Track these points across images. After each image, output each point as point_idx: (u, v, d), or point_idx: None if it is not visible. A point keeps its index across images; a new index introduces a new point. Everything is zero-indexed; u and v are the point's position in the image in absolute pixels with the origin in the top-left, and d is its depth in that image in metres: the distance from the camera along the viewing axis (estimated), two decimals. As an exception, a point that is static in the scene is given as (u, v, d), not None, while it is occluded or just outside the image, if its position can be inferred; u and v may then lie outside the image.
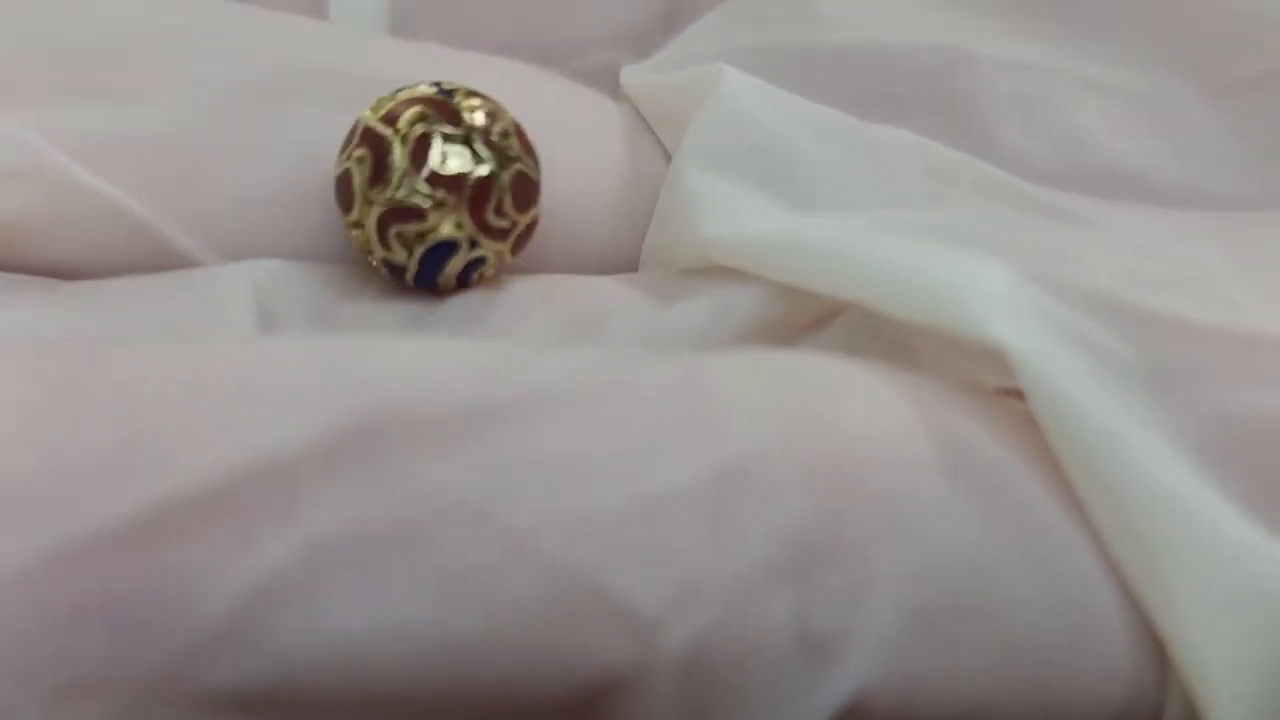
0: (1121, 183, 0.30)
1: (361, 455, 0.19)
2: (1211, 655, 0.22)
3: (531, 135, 0.26)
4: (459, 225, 0.25)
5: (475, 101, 0.26)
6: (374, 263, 0.26)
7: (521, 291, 0.26)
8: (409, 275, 0.26)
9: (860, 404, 0.22)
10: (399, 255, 0.25)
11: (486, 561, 0.19)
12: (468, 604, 0.19)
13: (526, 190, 0.26)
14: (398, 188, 0.25)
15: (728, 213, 0.26)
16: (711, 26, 0.32)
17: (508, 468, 0.20)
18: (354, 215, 0.26)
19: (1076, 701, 0.22)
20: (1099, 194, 0.30)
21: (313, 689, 0.19)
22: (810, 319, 0.25)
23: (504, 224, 0.26)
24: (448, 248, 0.25)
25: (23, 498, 0.19)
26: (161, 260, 0.26)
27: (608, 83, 0.31)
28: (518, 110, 0.26)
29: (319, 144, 0.26)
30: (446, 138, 0.25)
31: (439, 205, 0.25)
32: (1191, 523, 0.22)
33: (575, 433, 0.20)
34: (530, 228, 0.26)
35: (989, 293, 0.23)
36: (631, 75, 0.31)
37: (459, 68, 0.28)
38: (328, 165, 0.26)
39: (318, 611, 0.19)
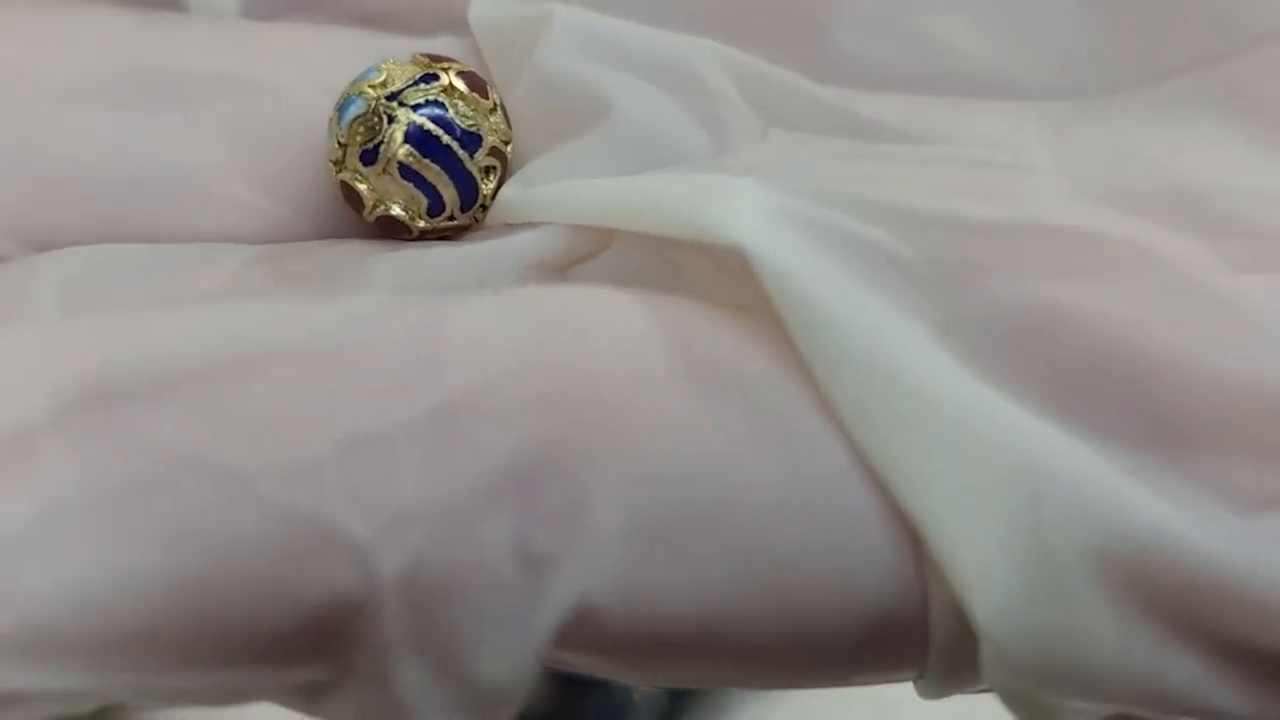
0: (978, 84, 0.30)
1: (94, 417, 0.21)
2: (964, 541, 0.22)
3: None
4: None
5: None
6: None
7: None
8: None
9: (601, 331, 0.23)
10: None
11: (210, 507, 0.21)
12: (194, 548, 0.21)
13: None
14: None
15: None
16: None
17: (232, 419, 0.21)
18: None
19: (832, 604, 0.22)
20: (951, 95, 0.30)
21: (54, 640, 0.20)
22: (589, 249, 0.26)
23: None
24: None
25: None
26: None
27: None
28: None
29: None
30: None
31: None
32: (940, 405, 0.22)
33: (301, 383, 0.22)
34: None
35: (732, 198, 0.23)
36: (479, 7, 0.30)
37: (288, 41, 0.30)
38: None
39: (55, 565, 0.20)
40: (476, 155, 0.28)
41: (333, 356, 0.22)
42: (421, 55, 0.28)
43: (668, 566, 0.22)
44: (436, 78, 0.27)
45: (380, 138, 0.27)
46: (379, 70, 0.28)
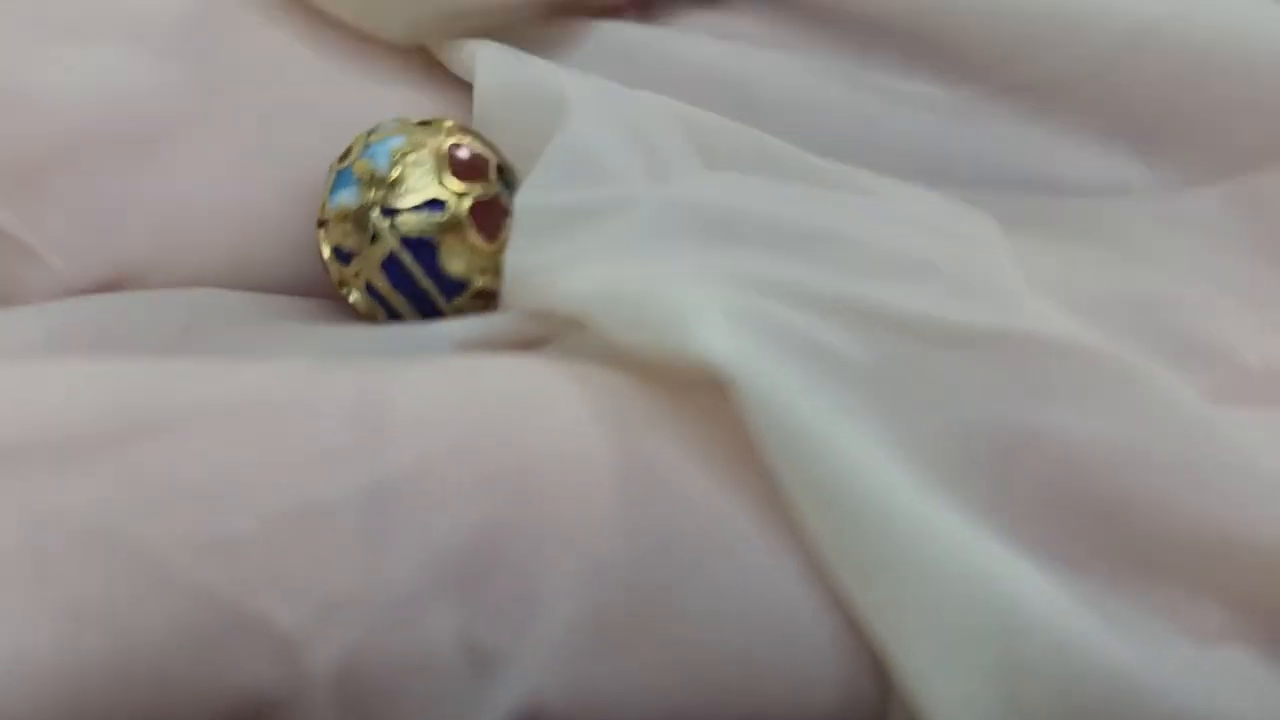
0: (918, 162, 0.30)
1: None
2: (940, 686, 0.21)
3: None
4: None
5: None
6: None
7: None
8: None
9: (547, 414, 0.21)
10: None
11: (117, 586, 0.18)
12: (97, 631, 0.18)
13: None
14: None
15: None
16: None
17: (147, 488, 0.19)
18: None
19: (780, 707, 0.21)
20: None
21: None
22: (538, 335, 0.25)
23: None
24: None
25: None
26: None
27: None
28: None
29: None
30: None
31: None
32: (917, 543, 0.21)
33: (226, 449, 0.20)
34: None
35: (703, 315, 0.22)
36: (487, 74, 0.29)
37: None
38: None
39: None
40: (455, 300, 0.26)
41: (263, 420, 0.20)
42: (453, 150, 0.26)
43: (619, 665, 0.20)
44: (443, 206, 0.26)
45: (360, 249, 0.26)
46: (392, 154, 0.26)
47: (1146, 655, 0.21)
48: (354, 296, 0.26)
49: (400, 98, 0.29)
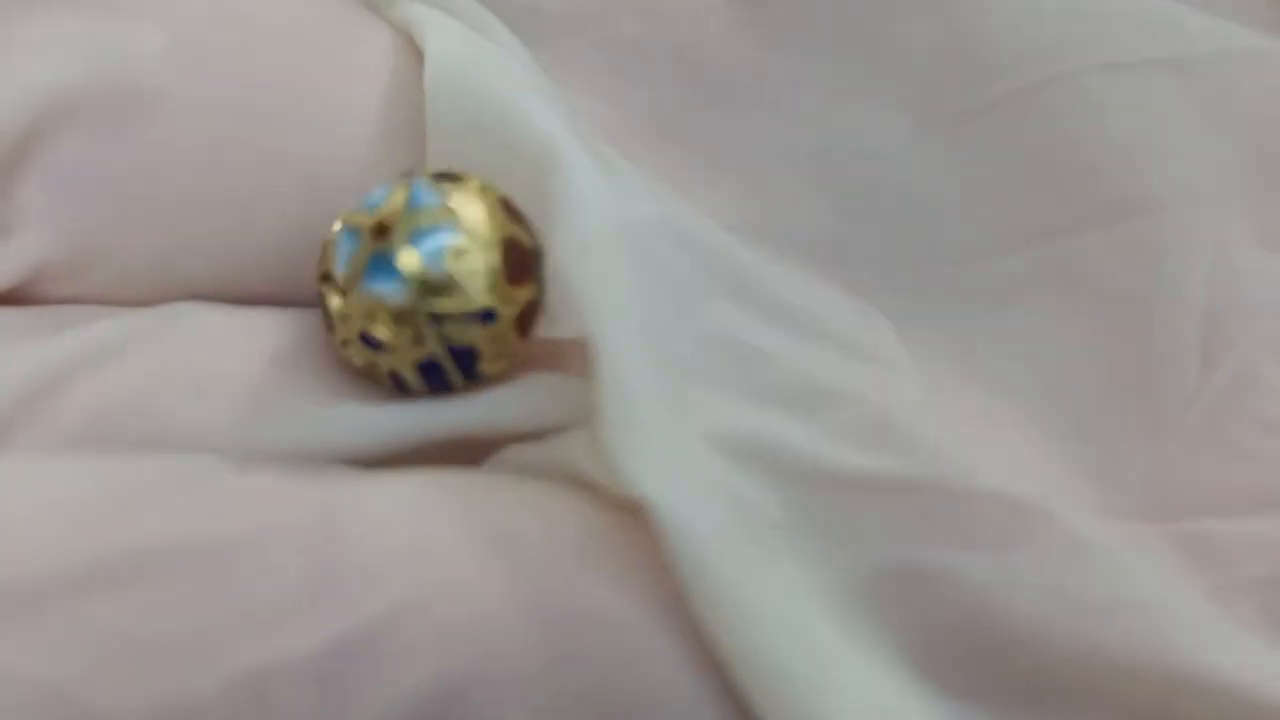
0: (808, 249, 0.30)
1: None
2: None
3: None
4: None
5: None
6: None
7: None
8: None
9: (496, 557, 0.22)
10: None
11: None
12: None
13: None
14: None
15: None
16: None
17: (99, 644, 0.19)
18: None
19: None
20: (787, 258, 0.29)
21: None
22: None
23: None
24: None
25: None
26: None
27: None
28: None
29: None
30: None
31: None
32: (836, 698, 0.22)
33: (181, 599, 0.20)
34: None
35: (643, 455, 0.23)
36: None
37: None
38: None
39: None
40: (472, 379, 0.26)
41: (221, 563, 0.20)
42: (507, 247, 0.25)
43: None
44: (494, 316, 0.25)
45: (395, 345, 0.25)
46: (445, 253, 0.24)
47: None
48: (361, 363, 0.26)
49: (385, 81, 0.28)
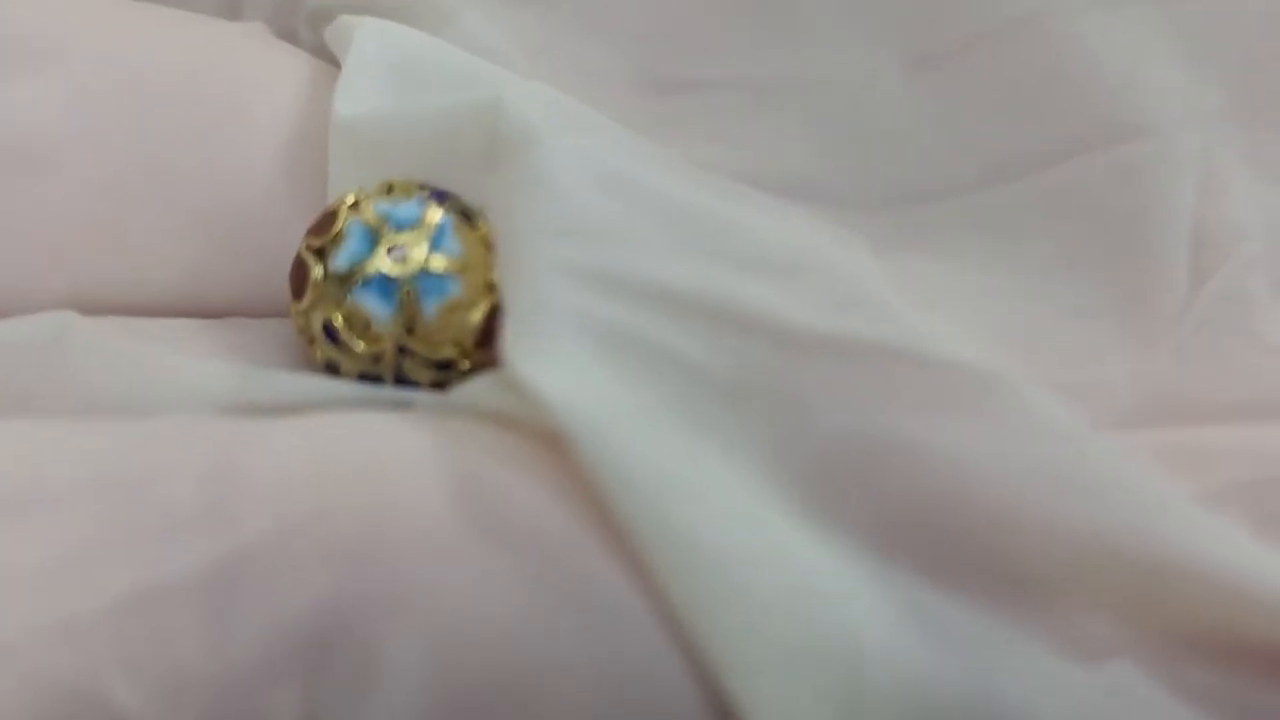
0: (797, 187, 0.30)
1: None
2: (781, 714, 0.21)
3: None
4: None
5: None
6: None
7: None
8: None
9: (403, 481, 0.22)
10: None
11: None
12: None
13: None
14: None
15: None
16: None
17: None
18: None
19: None
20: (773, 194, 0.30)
21: None
22: None
23: None
24: None
25: None
26: None
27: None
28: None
29: None
30: None
31: None
32: (752, 569, 0.21)
33: (76, 527, 0.20)
34: None
35: (548, 349, 0.22)
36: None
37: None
38: None
39: None
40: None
41: (111, 495, 0.21)
42: (488, 318, 0.25)
43: None
44: (456, 366, 0.26)
45: (363, 365, 0.26)
46: (442, 303, 0.25)
47: (1021, 675, 0.22)
48: (320, 356, 0.26)
49: (290, 102, 0.29)
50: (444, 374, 0.26)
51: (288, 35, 0.33)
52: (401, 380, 0.26)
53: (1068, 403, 0.24)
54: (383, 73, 0.28)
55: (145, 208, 0.28)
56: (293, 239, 0.27)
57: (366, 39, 0.29)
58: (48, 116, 0.27)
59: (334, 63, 0.30)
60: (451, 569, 0.21)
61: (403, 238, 0.26)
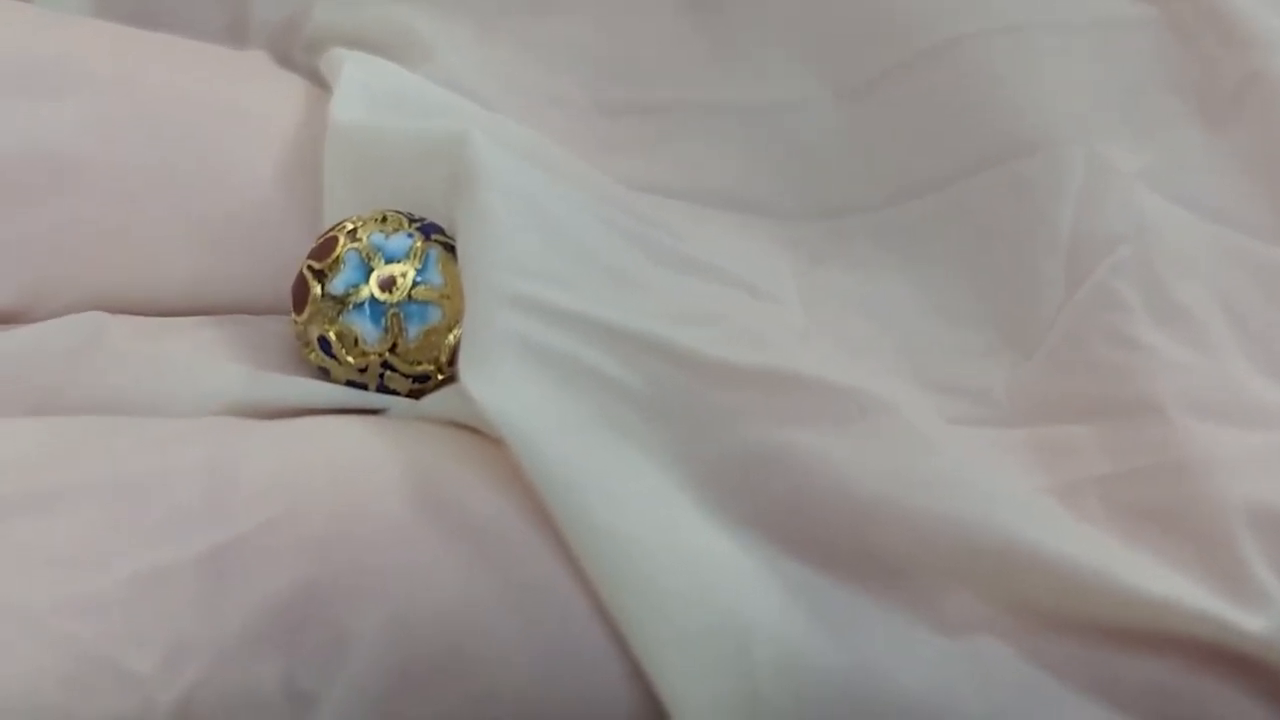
0: (734, 204, 0.34)
1: None
2: (683, 688, 0.25)
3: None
4: None
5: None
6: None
7: None
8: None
9: (369, 480, 0.26)
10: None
11: (2, 639, 0.23)
12: None
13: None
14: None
15: None
16: None
17: (28, 557, 0.24)
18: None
19: None
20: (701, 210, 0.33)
21: None
22: None
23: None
24: None
25: None
26: None
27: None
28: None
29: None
30: None
31: None
32: (660, 555, 0.25)
33: (94, 520, 0.24)
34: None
35: (488, 358, 0.26)
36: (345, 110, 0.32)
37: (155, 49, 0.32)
38: None
39: None
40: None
41: (123, 495, 0.24)
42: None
43: (418, 706, 0.25)
44: (432, 379, 0.30)
45: (352, 373, 0.29)
46: (428, 328, 0.29)
47: (893, 644, 0.25)
48: (314, 361, 0.30)
49: (288, 121, 0.33)
50: (420, 385, 0.30)
51: (285, 60, 0.37)
52: (383, 389, 0.30)
53: (935, 413, 0.28)
54: (369, 99, 0.32)
55: (157, 217, 0.31)
56: (290, 243, 0.32)
57: (356, 68, 0.33)
58: (70, 136, 0.31)
59: (326, 87, 0.34)
60: (408, 555, 0.25)
61: (392, 269, 0.30)
